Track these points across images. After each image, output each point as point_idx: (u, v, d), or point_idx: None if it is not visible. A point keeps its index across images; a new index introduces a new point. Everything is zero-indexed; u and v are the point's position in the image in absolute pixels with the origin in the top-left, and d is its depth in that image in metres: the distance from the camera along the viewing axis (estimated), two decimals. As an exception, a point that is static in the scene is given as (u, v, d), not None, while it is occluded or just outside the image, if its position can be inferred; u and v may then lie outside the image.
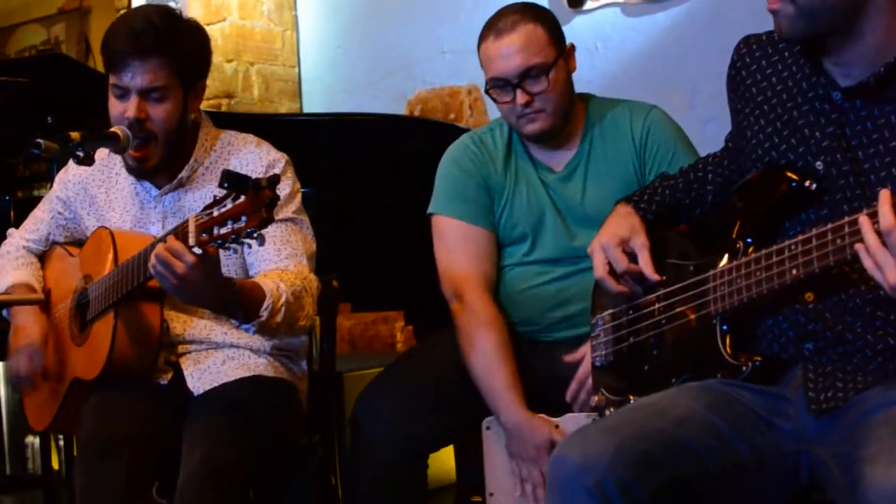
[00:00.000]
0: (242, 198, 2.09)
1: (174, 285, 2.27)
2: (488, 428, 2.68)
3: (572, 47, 2.76)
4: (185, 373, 2.60)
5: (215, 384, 2.58)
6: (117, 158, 2.71)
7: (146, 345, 2.54)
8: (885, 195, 1.73)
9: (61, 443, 3.76)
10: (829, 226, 1.81)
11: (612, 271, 2.26)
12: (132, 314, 2.52)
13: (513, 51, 2.64)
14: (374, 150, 4.05)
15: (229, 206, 2.11)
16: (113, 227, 2.69)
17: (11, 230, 2.94)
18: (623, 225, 2.29)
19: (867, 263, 1.74)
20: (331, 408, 3.00)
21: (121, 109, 2.57)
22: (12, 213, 3.25)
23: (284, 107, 5.63)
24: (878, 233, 1.72)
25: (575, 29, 4.43)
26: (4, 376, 4.88)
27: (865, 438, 1.78)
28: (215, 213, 2.13)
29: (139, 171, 2.64)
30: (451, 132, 3.55)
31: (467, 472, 2.92)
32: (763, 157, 2.09)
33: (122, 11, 5.14)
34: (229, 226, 2.11)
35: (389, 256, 3.83)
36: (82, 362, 2.61)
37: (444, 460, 3.04)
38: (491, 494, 2.68)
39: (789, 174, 2.01)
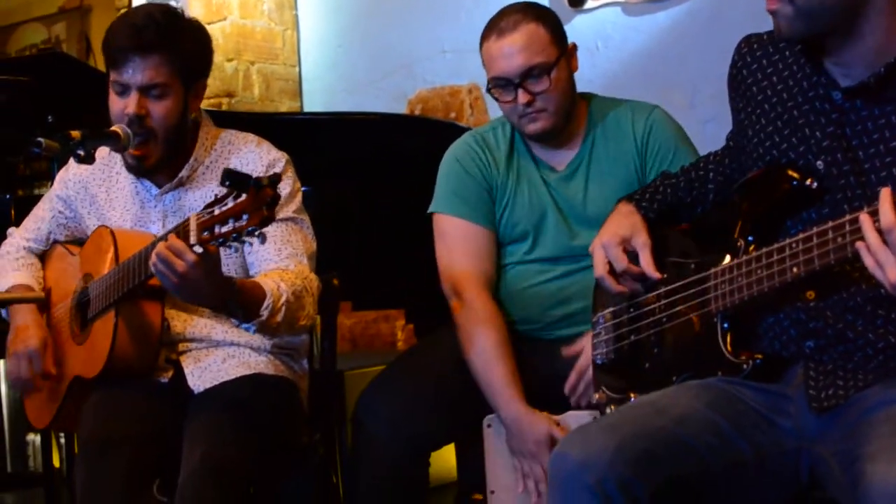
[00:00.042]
0: (244, 196, 2.09)
1: (175, 284, 2.27)
2: (489, 426, 2.68)
3: (574, 47, 2.76)
4: (186, 371, 2.60)
5: (216, 382, 2.58)
6: (118, 157, 2.71)
7: (147, 343, 2.54)
8: (885, 194, 1.73)
9: (62, 440, 3.77)
10: (830, 224, 1.81)
11: (612, 270, 2.27)
12: (133, 312, 2.52)
13: (515, 50, 2.64)
14: (375, 149, 4.05)
15: (230, 204, 2.11)
16: (113, 225, 2.69)
17: (12, 229, 2.94)
18: (624, 224, 2.29)
19: (868, 261, 1.75)
20: (331, 406, 3.00)
21: (121, 106, 2.57)
22: (13, 212, 3.24)
23: (285, 106, 5.63)
24: (879, 231, 1.73)
25: (575, 28, 4.42)
26: (5, 374, 4.89)
27: (866, 436, 1.78)
28: (216, 212, 2.13)
29: (138, 169, 2.64)
30: (452, 131, 3.55)
31: (468, 470, 2.92)
32: (764, 155, 2.10)
33: (122, 10, 5.14)
34: (230, 224, 2.11)
35: (390, 255, 3.84)
36: (83, 360, 2.62)
37: (445, 458, 3.05)
38: (492, 492, 2.68)
39: (790, 173, 2.01)
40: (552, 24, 2.70)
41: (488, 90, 2.72)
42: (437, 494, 2.88)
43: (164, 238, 2.28)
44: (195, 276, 2.24)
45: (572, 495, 1.88)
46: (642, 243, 2.25)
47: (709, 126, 4.12)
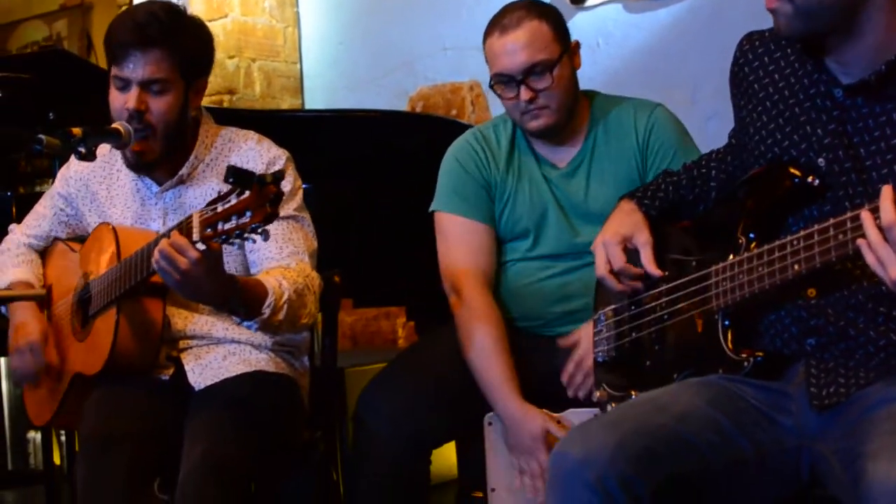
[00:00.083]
0: (247, 193, 2.09)
1: (177, 281, 2.27)
2: (490, 423, 2.68)
3: (577, 44, 2.76)
4: (187, 368, 2.60)
5: (216, 380, 2.58)
6: (118, 155, 2.71)
7: (148, 340, 2.54)
8: (886, 191, 1.73)
9: (63, 438, 3.77)
10: (831, 221, 1.81)
11: (613, 269, 2.27)
12: (135, 310, 2.52)
13: (518, 47, 2.65)
14: (376, 147, 4.05)
15: (233, 201, 2.11)
16: (114, 223, 2.69)
17: (13, 226, 2.94)
18: (626, 222, 2.30)
19: (869, 259, 1.75)
20: (332, 403, 3.00)
21: (121, 101, 2.57)
22: (14, 209, 3.24)
23: (286, 103, 5.62)
24: (880, 228, 1.73)
25: (576, 25, 4.42)
26: (6, 371, 4.89)
27: (867, 434, 1.78)
28: (219, 209, 2.13)
29: (137, 164, 2.64)
30: (453, 128, 3.56)
31: (469, 467, 2.93)
32: (766, 153, 2.10)
33: (123, 7, 5.14)
34: (233, 221, 2.11)
35: (391, 252, 3.83)
36: (84, 357, 2.62)
37: (445, 456, 3.04)
38: (493, 490, 2.68)
39: (792, 170, 2.01)
40: (555, 21, 2.70)
41: (491, 86, 2.72)
42: (437, 492, 2.88)
43: (166, 235, 2.28)
44: (198, 273, 2.24)
45: (573, 492, 1.88)
46: (643, 241, 2.25)
47: (710, 123, 4.12)
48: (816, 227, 1.84)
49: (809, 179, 1.99)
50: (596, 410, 2.44)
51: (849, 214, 1.78)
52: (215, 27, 5.29)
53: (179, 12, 2.63)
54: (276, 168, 2.64)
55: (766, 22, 2.04)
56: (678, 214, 2.35)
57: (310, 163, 2.97)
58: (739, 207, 2.11)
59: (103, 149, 2.71)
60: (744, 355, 2.04)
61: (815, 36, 1.96)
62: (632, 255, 2.26)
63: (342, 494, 2.99)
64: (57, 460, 3.75)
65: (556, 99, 2.68)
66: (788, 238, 1.90)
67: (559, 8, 2.88)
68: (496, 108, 4.74)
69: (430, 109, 5.18)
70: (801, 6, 1.91)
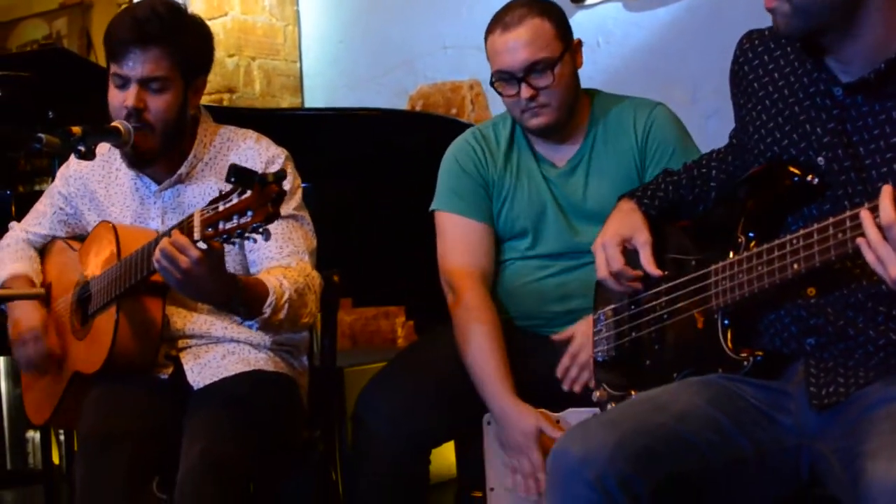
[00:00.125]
0: (248, 193, 2.09)
1: (178, 280, 2.27)
2: (489, 423, 2.68)
3: (579, 43, 2.76)
4: (186, 367, 2.60)
5: (215, 379, 2.58)
6: (117, 153, 2.71)
7: (148, 339, 2.54)
8: (886, 190, 1.73)
9: (62, 437, 3.77)
10: (831, 220, 1.81)
11: (612, 271, 2.27)
12: (134, 308, 2.52)
13: (519, 45, 2.64)
14: (376, 146, 4.05)
15: (235, 200, 2.11)
16: (113, 221, 2.69)
17: (13, 223, 2.94)
18: (625, 222, 2.30)
19: (869, 257, 1.75)
20: (331, 403, 3.00)
21: (120, 99, 2.57)
22: (13, 208, 3.24)
23: (286, 102, 5.62)
24: (879, 227, 1.72)
25: (577, 24, 4.38)
26: (5, 370, 4.89)
27: (867, 434, 1.78)
28: (221, 208, 2.13)
29: (135, 159, 2.63)
30: (453, 127, 3.56)
31: (468, 467, 2.92)
32: (765, 152, 2.09)
33: (123, 6, 5.14)
34: (234, 221, 2.11)
35: (391, 251, 3.83)
36: (83, 356, 2.62)
37: (445, 455, 3.04)
38: (491, 489, 2.68)
39: (792, 169, 2.01)
40: (557, 19, 2.70)
41: (491, 83, 2.72)
42: (436, 491, 2.87)
43: (167, 234, 2.28)
44: (199, 272, 2.24)
45: (572, 491, 1.88)
46: (643, 241, 2.24)
47: (710, 121, 4.12)
48: (816, 225, 1.84)
49: (809, 178, 1.99)
50: (596, 410, 2.44)
51: (848, 213, 1.78)
52: (215, 25, 5.29)
53: (180, 10, 2.63)
54: (275, 166, 2.64)
55: (766, 21, 2.04)
56: (678, 214, 2.35)
57: (309, 162, 2.97)
58: (739, 206, 2.11)
59: (102, 147, 2.71)
60: (743, 354, 2.04)
61: (814, 34, 1.96)
62: (632, 255, 2.26)
63: (341, 494, 2.99)
64: (56, 460, 3.75)
65: (557, 97, 2.68)
66: (788, 237, 1.90)
67: (559, 7, 2.88)
68: (496, 106, 4.75)
69: (430, 108, 5.18)
70: (799, 5, 1.91)
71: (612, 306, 2.37)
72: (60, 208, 2.84)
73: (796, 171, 2.00)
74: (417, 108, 5.22)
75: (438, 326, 2.83)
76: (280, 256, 2.58)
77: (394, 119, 4.39)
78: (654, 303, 2.24)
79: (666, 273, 2.22)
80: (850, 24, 1.91)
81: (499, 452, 2.67)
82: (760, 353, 2.03)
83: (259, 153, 2.67)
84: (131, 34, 2.54)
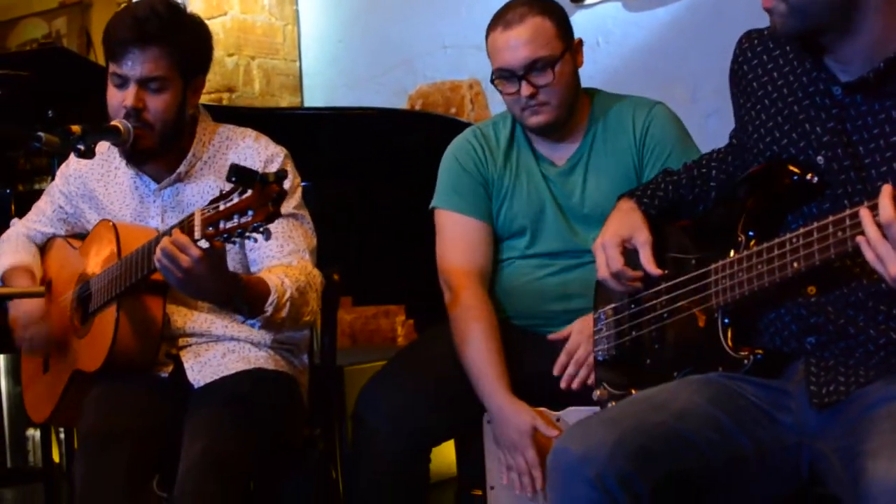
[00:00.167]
0: (249, 192, 2.09)
1: (179, 279, 2.27)
2: (489, 422, 2.68)
3: (580, 42, 2.76)
4: (186, 366, 2.60)
5: (216, 377, 2.58)
6: (116, 153, 2.71)
7: (148, 337, 2.54)
8: (886, 189, 1.73)
9: (62, 435, 3.77)
10: (831, 218, 1.81)
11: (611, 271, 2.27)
12: (135, 307, 2.52)
13: (520, 43, 2.65)
14: (375, 145, 4.05)
15: (236, 200, 2.11)
16: (113, 220, 2.69)
17: (15, 220, 2.95)
18: (625, 222, 2.30)
19: (868, 256, 1.75)
20: (331, 401, 3.00)
21: (119, 98, 2.57)
22: (13, 207, 3.24)
23: (285, 101, 5.62)
24: (879, 225, 1.73)
25: (576, 24, 4.35)
26: (5, 368, 4.89)
27: (867, 433, 1.78)
28: (221, 207, 2.13)
29: (132, 156, 2.63)
30: (452, 126, 3.56)
31: (468, 465, 2.92)
32: (764, 151, 2.10)
33: (122, 5, 5.14)
34: (235, 220, 2.11)
35: (390, 250, 3.83)
36: (84, 354, 2.62)
37: (445, 454, 3.04)
38: (492, 488, 2.68)
39: (791, 167, 2.01)
40: (558, 18, 2.70)
41: (492, 81, 2.72)
42: (436, 490, 2.87)
43: (168, 233, 2.28)
44: (199, 271, 2.24)
45: (572, 489, 1.88)
46: (643, 241, 2.25)
47: (710, 121, 4.12)
48: (816, 224, 1.84)
49: (808, 177, 1.99)
50: (596, 409, 2.44)
51: (848, 212, 1.78)
52: (215, 25, 5.29)
53: (179, 10, 2.62)
54: (275, 165, 2.64)
55: (766, 20, 2.04)
56: (678, 214, 2.35)
57: (309, 161, 2.97)
58: (739, 205, 2.11)
59: (102, 146, 2.71)
60: (743, 353, 2.04)
61: (811, 34, 1.96)
62: (632, 254, 2.26)
63: (341, 492, 2.99)
64: (56, 458, 3.75)
65: (557, 95, 2.68)
66: (788, 236, 1.90)
67: (559, 6, 2.88)
68: (495, 106, 4.75)
69: (430, 107, 5.18)
70: (795, 5, 1.91)
71: (613, 305, 2.38)
72: (60, 207, 2.85)
73: (796, 170, 2.01)
74: (417, 108, 5.22)
75: (438, 325, 2.83)
76: (281, 255, 2.58)
77: (393, 118, 4.39)
78: (654, 302, 2.25)
79: (666, 272, 2.22)
80: (847, 24, 1.91)
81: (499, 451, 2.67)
82: (761, 352, 2.03)
83: (258, 152, 2.67)
84: (130, 34, 2.54)
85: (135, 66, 2.54)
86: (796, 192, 2.01)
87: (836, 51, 1.96)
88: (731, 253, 2.06)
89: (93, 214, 2.79)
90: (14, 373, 4.86)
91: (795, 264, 1.88)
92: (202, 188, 2.66)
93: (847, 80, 1.96)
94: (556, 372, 2.62)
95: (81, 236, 2.82)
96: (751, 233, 2.05)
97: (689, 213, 2.35)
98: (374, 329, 5.45)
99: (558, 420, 2.59)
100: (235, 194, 2.11)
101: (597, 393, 2.39)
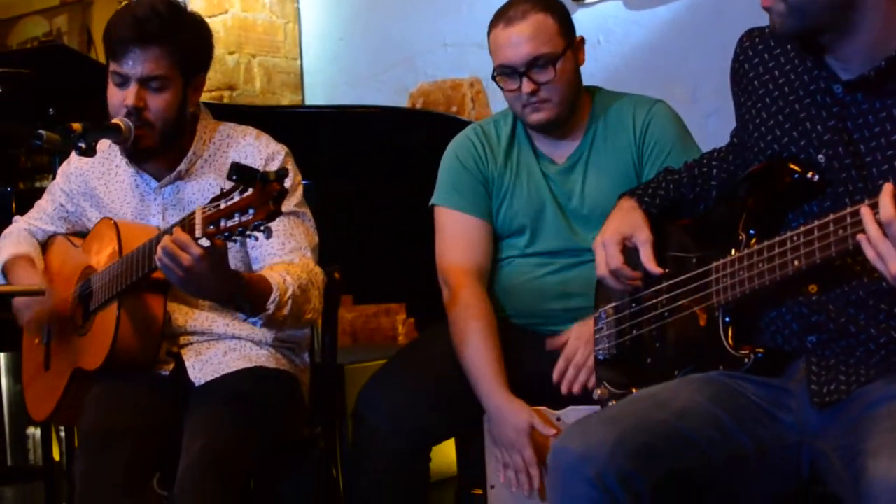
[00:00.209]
0: (250, 190, 2.09)
1: (180, 278, 2.27)
2: (489, 420, 2.68)
3: (582, 40, 2.77)
4: (187, 364, 2.60)
5: (216, 375, 2.58)
6: (117, 151, 2.71)
7: (149, 336, 2.54)
8: (887, 187, 1.73)
9: (62, 434, 3.77)
10: (831, 217, 1.81)
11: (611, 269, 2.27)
12: (136, 305, 2.52)
13: (522, 39, 2.65)
14: (376, 143, 4.05)
15: (237, 198, 2.11)
16: (114, 218, 2.69)
17: (17, 217, 2.95)
18: (626, 220, 2.30)
19: (869, 254, 1.75)
20: (332, 400, 3.00)
21: (120, 98, 2.57)
22: (14, 205, 3.24)
23: (286, 99, 5.62)
24: (880, 223, 1.73)
25: (577, 22, 4.34)
26: (6, 366, 4.89)
27: (868, 432, 1.78)
28: (222, 206, 2.13)
29: (133, 154, 2.63)
30: (453, 125, 3.55)
31: (468, 464, 2.92)
32: (765, 149, 2.10)
33: (123, 3, 5.14)
34: (236, 218, 2.11)
35: (391, 249, 3.83)
36: (85, 352, 2.62)
37: (445, 453, 3.04)
38: (492, 487, 2.68)
39: (792, 166, 2.01)
40: (560, 15, 2.71)
41: (493, 77, 2.72)
42: (437, 489, 2.87)
43: (169, 231, 2.28)
44: (200, 270, 2.24)
45: (573, 488, 1.88)
46: (643, 240, 2.25)
47: (710, 120, 4.12)
48: (816, 222, 1.84)
49: (809, 175, 1.99)
50: (597, 408, 2.44)
51: (848, 210, 1.78)
52: (216, 23, 5.29)
53: (179, 8, 2.62)
54: (275, 163, 2.64)
55: (766, 19, 2.04)
56: (679, 213, 2.35)
57: (310, 159, 2.97)
58: (739, 204, 2.11)
59: (102, 144, 2.71)
60: (744, 352, 2.04)
61: (811, 33, 1.96)
62: (632, 253, 2.26)
63: (342, 491, 2.99)
64: (56, 456, 3.75)
65: (558, 93, 2.68)
66: (788, 234, 1.90)
67: (560, 5, 2.88)
68: (496, 104, 4.75)
69: (431, 106, 5.18)
70: (794, 4, 1.91)
71: (613, 304, 2.38)
72: (61, 205, 2.85)
73: (797, 169, 2.01)
74: (418, 106, 5.22)
75: (439, 324, 2.83)
76: (282, 253, 2.58)
77: (394, 117, 4.39)
78: (655, 300, 2.25)
79: (667, 271, 2.22)
80: (846, 24, 1.91)
81: (499, 450, 2.67)
82: (761, 351, 2.03)
83: (259, 150, 2.67)
84: (131, 33, 2.53)
85: (136, 65, 2.54)
86: (797, 191, 2.01)
87: (836, 50, 1.96)
88: (732, 251, 2.06)
89: (94, 213, 2.79)
90: (14, 371, 4.86)
91: (796, 263, 1.88)
92: (203, 186, 2.66)
93: (848, 79, 1.96)
94: (555, 378, 2.61)
95: (83, 234, 2.82)
96: (752, 231, 2.05)
97: (690, 212, 2.35)
98: (375, 328, 5.45)
99: (558, 419, 2.59)
100: (236, 193, 2.11)
101: (597, 392, 2.39)
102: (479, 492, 2.76)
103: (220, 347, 2.64)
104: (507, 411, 2.59)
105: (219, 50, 5.00)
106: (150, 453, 2.46)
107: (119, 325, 2.51)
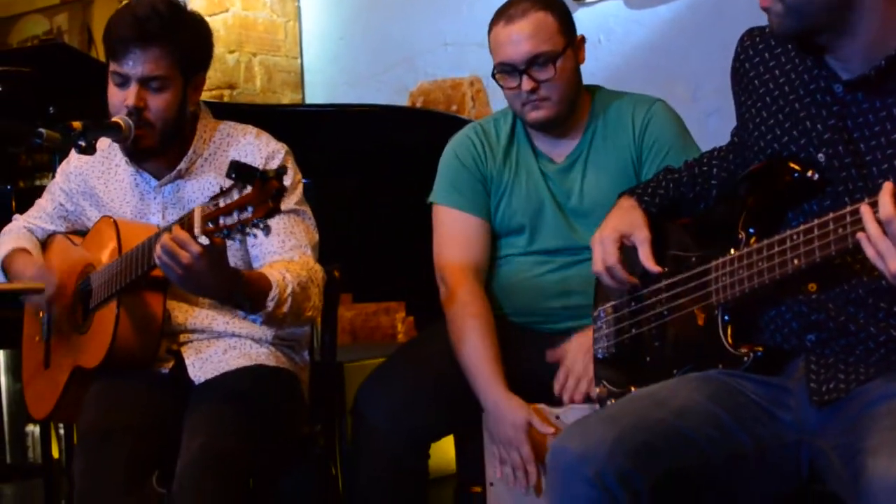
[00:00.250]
0: (249, 188, 2.09)
1: (179, 275, 2.27)
2: (487, 417, 2.68)
3: (582, 39, 2.77)
4: (187, 362, 2.60)
5: (216, 373, 2.58)
6: (117, 149, 2.71)
7: (148, 333, 2.54)
8: (887, 186, 1.74)
9: (61, 431, 3.77)
10: (831, 215, 1.81)
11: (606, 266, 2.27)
12: (135, 303, 2.53)
13: (522, 37, 2.65)
14: (376, 142, 4.05)
15: (236, 196, 2.11)
16: (114, 217, 2.69)
17: (16, 215, 2.95)
18: (625, 219, 2.30)
19: (869, 252, 1.75)
20: (332, 398, 3.00)
21: (120, 97, 2.57)
22: (14, 203, 3.24)
23: (287, 98, 5.62)
24: (879, 222, 1.73)
25: (578, 21, 4.33)
26: (5, 364, 4.89)
27: (867, 430, 1.78)
28: (221, 204, 2.13)
29: (133, 153, 2.63)
30: (453, 124, 3.55)
31: (467, 462, 2.92)
32: (765, 148, 2.10)
33: (123, 2, 5.14)
34: (235, 216, 2.11)
35: (391, 247, 3.84)
36: (84, 350, 2.62)
37: (444, 450, 3.04)
38: (491, 484, 2.68)
39: (792, 165, 2.01)
40: (561, 13, 2.71)
41: (493, 75, 2.73)
42: (436, 486, 2.87)
43: (168, 229, 2.28)
44: (200, 267, 2.24)
45: (572, 487, 1.88)
46: (642, 238, 2.25)
47: (711, 119, 4.12)
48: (816, 221, 1.84)
49: (809, 174, 1.99)
50: (595, 407, 2.44)
51: (848, 208, 1.79)
52: (216, 22, 5.29)
53: (179, 8, 2.63)
54: (276, 161, 2.64)
55: (767, 18, 2.04)
56: (678, 212, 2.35)
57: (310, 158, 2.98)
58: (739, 203, 2.11)
59: (102, 143, 2.71)
60: (743, 350, 2.04)
61: (809, 34, 1.96)
62: (631, 252, 2.26)
63: (341, 488, 2.99)
64: (56, 454, 3.75)
65: (558, 91, 2.68)
66: (788, 233, 1.91)
67: (561, 4, 2.88)
68: (497, 103, 4.75)
69: (431, 105, 5.18)
70: (791, 5, 1.91)
71: (613, 303, 2.38)
72: (61, 204, 2.85)
73: (797, 168, 2.01)
74: (418, 105, 5.22)
75: (438, 322, 2.83)
76: (283, 251, 2.58)
77: (394, 116, 4.39)
78: (654, 299, 2.25)
79: (666, 269, 2.22)
80: (845, 24, 1.91)
81: (498, 447, 2.67)
82: (761, 349, 2.03)
83: (259, 148, 2.67)
84: (131, 33, 2.53)
85: (136, 65, 2.54)
86: (797, 190, 2.01)
87: (835, 50, 1.96)
88: (732, 250, 2.06)
89: (93, 212, 2.79)
90: (14, 369, 4.86)
91: (796, 261, 1.88)
92: (203, 185, 2.66)
93: (848, 78, 1.96)
94: (556, 390, 2.62)
95: (82, 233, 2.82)
96: (751, 230, 2.05)
97: (689, 211, 2.35)
98: (375, 326, 5.45)
99: (557, 418, 2.59)
100: (235, 191, 2.11)
101: (596, 390, 2.39)
102: (478, 489, 2.76)
103: (220, 345, 2.64)
104: (504, 407, 2.59)
105: (219, 48, 5.00)
106: (149, 451, 2.46)
107: (118, 323, 2.51)
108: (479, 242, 2.81)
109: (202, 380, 2.58)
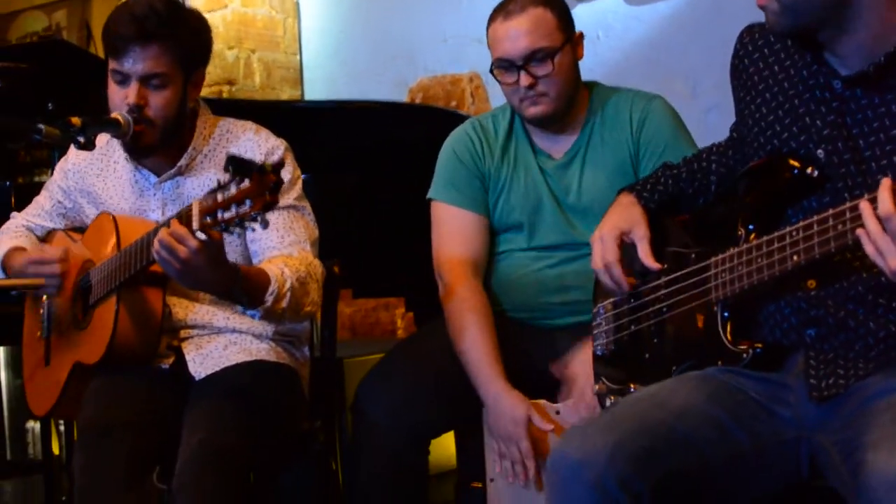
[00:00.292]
0: (247, 182, 2.08)
1: (177, 270, 2.27)
2: (487, 411, 2.68)
3: (581, 35, 2.77)
4: (187, 357, 2.61)
5: (217, 369, 2.58)
6: (116, 146, 2.71)
7: (148, 329, 2.54)
8: (886, 182, 1.73)
9: (62, 428, 3.77)
10: (831, 212, 1.81)
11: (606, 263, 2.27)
12: (135, 298, 2.53)
13: (520, 33, 2.65)
14: (376, 138, 4.05)
15: (233, 190, 2.11)
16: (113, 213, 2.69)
17: (14, 213, 2.95)
18: (624, 216, 2.30)
19: (868, 249, 1.75)
20: (332, 394, 3.00)
21: (121, 95, 2.57)
22: (13, 199, 3.24)
23: (286, 94, 5.62)
24: (879, 218, 1.73)
25: (577, 17, 4.33)
26: (5, 360, 4.89)
27: (867, 425, 1.79)
28: (219, 198, 2.13)
29: (134, 148, 2.63)
30: (453, 119, 3.55)
31: (468, 458, 2.93)
32: (765, 145, 2.10)
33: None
34: (233, 210, 2.11)
35: (390, 243, 3.84)
36: (84, 346, 2.62)
37: (444, 446, 3.05)
38: (491, 480, 2.69)
39: (791, 161, 2.01)
40: (559, 9, 2.71)
41: (491, 70, 2.73)
42: (436, 482, 2.88)
43: (166, 224, 2.28)
44: (198, 262, 2.24)
45: (572, 492, 1.88)
46: (641, 235, 2.25)
47: (710, 115, 4.12)
48: (816, 217, 1.84)
49: (809, 171, 1.99)
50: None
51: (848, 205, 1.79)
52: (215, 18, 5.29)
53: (177, 5, 2.63)
54: (275, 157, 2.64)
55: (766, 14, 2.04)
56: (678, 208, 2.35)
57: (309, 154, 2.97)
58: (739, 199, 2.11)
59: (101, 140, 2.72)
60: (743, 347, 2.04)
61: (806, 31, 1.96)
62: (630, 249, 2.26)
63: (341, 484, 3.00)
64: (56, 450, 3.75)
65: (556, 86, 2.68)
66: (788, 229, 1.90)
67: (560, 1, 2.88)
68: (496, 99, 4.75)
69: (430, 101, 5.17)
70: (787, 3, 1.92)
71: (612, 299, 2.38)
72: (59, 202, 2.85)
73: (796, 164, 2.01)
74: (417, 101, 5.22)
75: (438, 318, 2.83)
76: (282, 246, 2.58)
77: (393, 111, 4.39)
78: (653, 296, 2.25)
79: (665, 266, 2.22)
80: (843, 21, 1.91)
81: (499, 443, 2.67)
82: (760, 345, 2.03)
83: (258, 144, 2.67)
84: (130, 31, 2.53)
85: (136, 63, 2.54)
86: (796, 186, 2.01)
87: (834, 47, 1.96)
88: (731, 247, 2.06)
89: (91, 209, 2.79)
90: (14, 365, 4.86)
91: (795, 258, 1.88)
92: (202, 181, 2.66)
93: (847, 74, 1.96)
94: (559, 401, 2.62)
95: (81, 230, 2.82)
96: (751, 226, 2.05)
97: (689, 207, 2.35)
98: (374, 322, 5.45)
99: (557, 413, 2.59)
100: (233, 184, 2.11)
101: (596, 387, 2.39)
102: (479, 485, 2.76)
103: (220, 341, 2.64)
104: (504, 402, 2.59)
105: (218, 45, 4.99)
106: (149, 447, 2.47)
107: (118, 319, 2.51)
108: (478, 238, 2.81)
109: (202, 375, 2.58)
